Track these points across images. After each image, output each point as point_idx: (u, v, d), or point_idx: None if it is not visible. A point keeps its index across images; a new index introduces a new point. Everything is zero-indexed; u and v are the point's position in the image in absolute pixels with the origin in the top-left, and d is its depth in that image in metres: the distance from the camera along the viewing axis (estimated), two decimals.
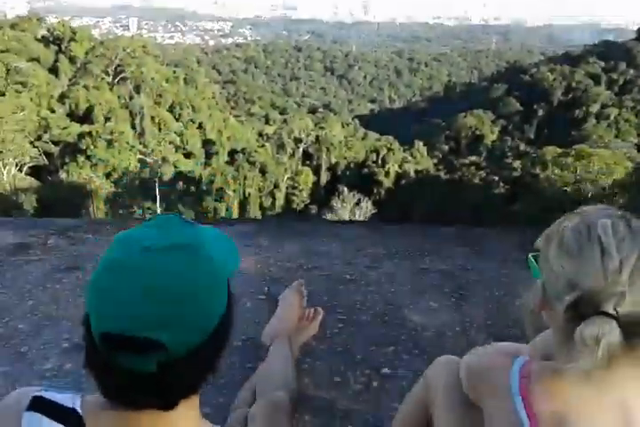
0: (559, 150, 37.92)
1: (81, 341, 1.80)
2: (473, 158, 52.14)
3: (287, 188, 46.40)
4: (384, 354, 2.54)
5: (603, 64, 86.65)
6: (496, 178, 35.60)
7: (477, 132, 74.79)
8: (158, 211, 38.96)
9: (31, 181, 40.05)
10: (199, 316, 0.82)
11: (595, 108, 77.39)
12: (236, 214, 40.30)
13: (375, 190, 42.08)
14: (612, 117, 73.50)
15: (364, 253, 4.09)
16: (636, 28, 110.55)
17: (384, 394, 2.25)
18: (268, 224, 5.97)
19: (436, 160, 57.73)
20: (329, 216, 30.39)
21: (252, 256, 3.92)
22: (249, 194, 42.97)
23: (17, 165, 41.97)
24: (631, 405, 0.93)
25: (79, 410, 0.88)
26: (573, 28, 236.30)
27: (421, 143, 66.36)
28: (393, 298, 3.15)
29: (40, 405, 0.89)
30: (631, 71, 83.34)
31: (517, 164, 47.60)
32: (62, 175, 41.27)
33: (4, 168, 40.02)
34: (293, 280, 3.37)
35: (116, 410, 0.85)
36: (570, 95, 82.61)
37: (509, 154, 60.52)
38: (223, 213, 39.08)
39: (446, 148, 71.23)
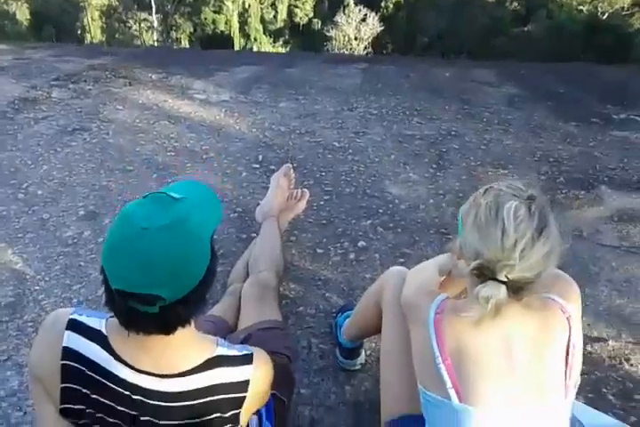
0: None
1: (95, 209, 2.18)
2: None
3: None
4: (362, 227, 2.85)
5: None
6: None
7: None
8: (155, 24, 37.20)
9: None
10: (189, 274, 1.09)
11: None
12: (236, 29, 38.44)
13: (383, 4, 39.67)
14: None
15: (356, 113, 4.24)
16: None
17: (358, 266, 2.60)
18: (265, 67, 5.98)
19: None
20: (333, 33, 29.11)
21: (248, 117, 4.10)
22: (249, 6, 40.53)
23: None
24: (512, 340, 1.24)
25: (104, 331, 1.21)
26: None
27: None
28: (376, 168, 3.38)
29: (75, 326, 1.20)
30: None
31: None
32: None
33: None
34: (285, 147, 3.64)
35: (130, 332, 1.17)
36: None
37: None
38: (222, 27, 37.26)
39: None
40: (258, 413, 1.55)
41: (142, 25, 38.37)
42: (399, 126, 4.07)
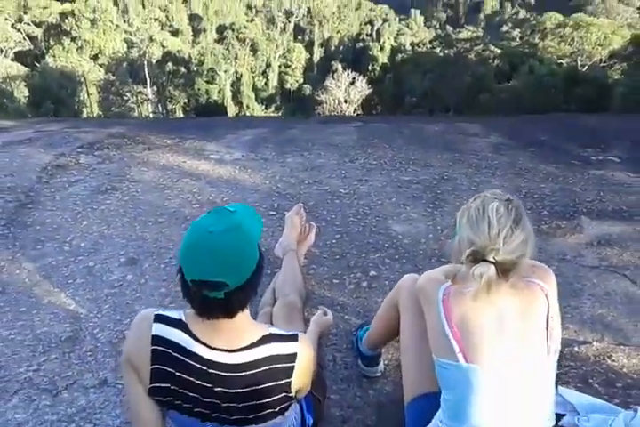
0: (560, 17, 36.89)
1: (134, 255, 2.62)
2: (471, 28, 50.61)
3: (280, 66, 45.47)
4: (372, 259, 3.23)
5: None
6: (493, 52, 34.95)
7: None
8: (150, 96, 38.49)
9: (18, 68, 38.89)
10: (245, 266, 1.48)
11: None
12: (229, 97, 39.79)
13: (370, 68, 41.39)
14: None
15: (357, 164, 4.71)
16: None
17: (371, 292, 2.96)
18: (268, 129, 6.50)
19: (433, 31, 56.01)
20: (323, 97, 30.25)
21: (260, 171, 4.56)
22: (241, 75, 42.16)
23: (1, 51, 40.64)
24: (504, 312, 1.62)
25: (184, 319, 1.59)
26: None
27: (418, 12, 64.09)
28: (380, 210, 3.80)
29: (160, 318, 1.59)
30: None
31: (516, 33, 46.37)
32: (49, 60, 40.12)
33: None
34: (297, 196, 4.06)
35: (202, 318, 1.55)
36: None
37: (508, 23, 58.54)
38: (215, 96, 38.59)
39: (444, 16, 68.79)
40: (300, 404, 1.92)
41: (138, 97, 39.67)
42: (397, 174, 4.52)
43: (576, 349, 2.57)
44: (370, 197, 4.04)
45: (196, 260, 1.44)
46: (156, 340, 1.56)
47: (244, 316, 1.57)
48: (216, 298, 1.44)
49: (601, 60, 30.87)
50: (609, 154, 5.58)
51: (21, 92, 33.94)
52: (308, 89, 41.74)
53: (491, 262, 1.56)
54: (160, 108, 38.72)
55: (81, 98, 36.30)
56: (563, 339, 2.59)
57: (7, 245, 3.41)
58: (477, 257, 1.58)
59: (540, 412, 1.65)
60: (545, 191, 4.26)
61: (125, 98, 37.89)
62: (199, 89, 39.71)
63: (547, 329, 1.64)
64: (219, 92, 40.22)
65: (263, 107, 41.99)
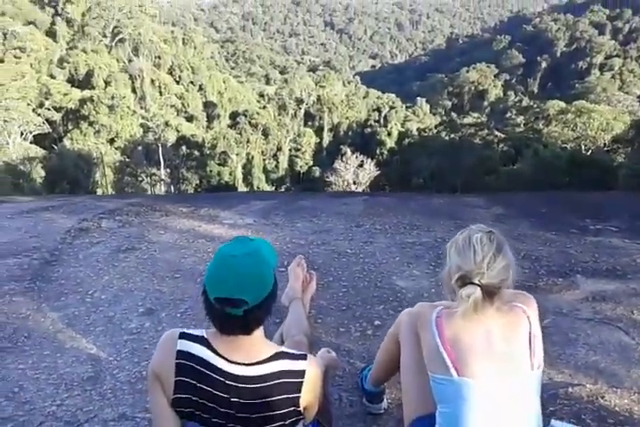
0: (562, 105, 38.23)
1: (152, 306, 2.85)
2: (475, 115, 52.43)
3: (290, 150, 46.92)
4: (376, 311, 3.41)
5: (607, 12, 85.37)
6: (497, 136, 36.11)
7: (480, 88, 74.59)
8: (163, 177, 39.54)
9: (36, 150, 40.12)
10: (263, 286, 1.70)
11: (598, 58, 76.73)
12: (240, 179, 40.80)
13: (378, 151, 42.68)
14: (616, 68, 72.87)
15: (363, 229, 4.97)
16: None
17: (375, 339, 3.12)
18: (278, 201, 6.84)
19: (438, 117, 58.01)
20: (332, 179, 31.05)
21: (271, 234, 4.82)
22: (252, 157, 43.46)
23: (21, 134, 42.12)
24: (491, 331, 1.81)
25: (206, 336, 1.78)
26: None
27: (424, 100, 66.60)
28: (385, 267, 4.02)
29: (185, 335, 1.79)
30: (637, 19, 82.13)
31: (520, 119, 47.92)
32: (67, 143, 41.52)
33: (9, 137, 40.18)
34: (306, 255, 4.29)
35: (223, 335, 1.74)
36: (573, 46, 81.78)
37: (512, 109, 60.67)
38: (227, 178, 39.61)
39: (449, 104, 71.42)
40: None
41: (152, 179, 40.69)
42: (401, 237, 4.76)
43: (570, 390, 2.70)
44: (375, 256, 4.26)
45: (219, 279, 1.66)
46: (181, 354, 1.75)
47: (259, 334, 1.78)
48: (235, 315, 1.65)
49: (604, 144, 31.71)
50: (607, 224, 5.80)
51: (38, 173, 34.91)
52: (317, 171, 42.83)
53: (477, 285, 1.78)
54: (172, 189, 39.64)
55: (96, 179, 37.30)
56: (557, 381, 2.77)
57: (33, 297, 3.62)
58: (465, 281, 1.80)
59: (527, 423, 1.81)
60: (542, 253, 4.46)
61: (140, 179, 38.89)
62: (211, 171, 40.81)
63: (530, 347, 1.82)
64: (230, 173, 41.32)
65: (273, 188, 42.94)
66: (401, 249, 4.44)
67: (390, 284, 3.78)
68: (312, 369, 1.82)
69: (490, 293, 1.80)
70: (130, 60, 56.06)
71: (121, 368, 2.92)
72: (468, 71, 75.64)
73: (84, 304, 3.55)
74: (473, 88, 73.76)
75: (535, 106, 49.76)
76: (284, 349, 1.83)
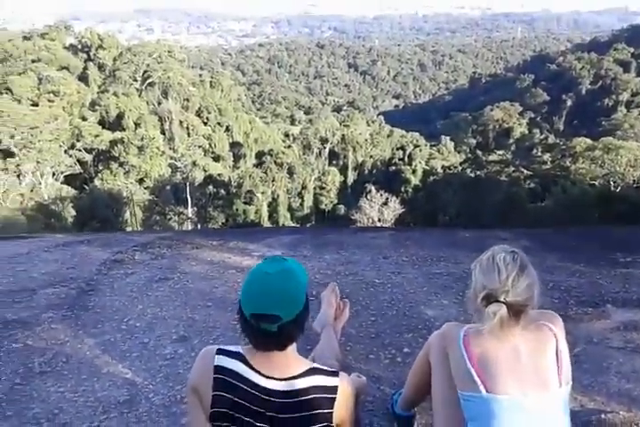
0: (589, 142, 38.07)
1: (185, 334, 2.93)
2: (500, 153, 52.47)
3: (315, 188, 47.26)
4: (405, 338, 3.45)
5: (632, 50, 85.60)
6: (524, 173, 36.02)
7: (505, 125, 74.62)
8: (190, 215, 39.99)
9: (67, 190, 40.94)
10: (296, 302, 1.77)
11: (624, 96, 76.61)
12: (265, 217, 41.10)
13: (403, 189, 42.81)
14: None
15: (390, 260, 5.03)
16: None
17: (405, 366, 3.14)
18: (305, 235, 6.94)
19: (463, 155, 58.13)
20: (357, 216, 31.08)
21: None
22: (277, 196, 43.86)
23: (53, 175, 43.03)
24: (519, 349, 1.86)
25: (242, 352, 1.85)
26: (600, 13, 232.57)
27: (448, 138, 66.85)
28: (413, 297, 4.06)
29: (222, 351, 1.86)
30: None
31: (547, 157, 47.77)
32: (97, 183, 42.33)
33: (42, 178, 41.08)
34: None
35: (258, 351, 1.81)
36: (598, 84, 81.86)
37: (538, 147, 60.61)
38: (252, 216, 39.94)
39: (474, 142, 71.54)
40: None
41: (179, 217, 41.16)
42: (428, 268, 4.81)
43: (603, 416, 2.70)
44: (403, 286, 4.32)
45: (254, 296, 1.75)
46: (218, 369, 1.82)
47: (292, 350, 1.85)
48: (270, 331, 1.73)
49: (633, 180, 31.40)
50: (637, 257, 5.76)
51: (69, 213, 35.53)
52: (342, 209, 42.99)
53: (502, 302, 1.83)
54: (199, 227, 40.02)
55: (125, 217, 37.84)
56: (590, 409, 2.76)
57: (70, 325, 3.73)
58: (490, 299, 1.86)
59: None
60: (572, 284, 4.47)
61: (168, 217, 39.37)
62: (237, 209, 41.21)
63: (557, 363, 1.86)
64: (256, 212, 41.66)
65: (298, 226, 43.12)
66: (428, 279, 4.49)
67: (419, 313, 3.82)
68: (345, 385, 1.87)
69: (516, 311, 1.85)
70: (159, 103, 57.43)
71: (156, 392, 2.98)
72: (492, 110, 75.83)
73: (120, 331, 3.64)
74: (497, 126, 73.83)
75: (561, 143, 49.62)
76: (316, 365, 1.90)
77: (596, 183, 31.75)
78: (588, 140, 38.97)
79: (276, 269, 1.77)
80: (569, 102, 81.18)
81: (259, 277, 1.77)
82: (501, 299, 1.83)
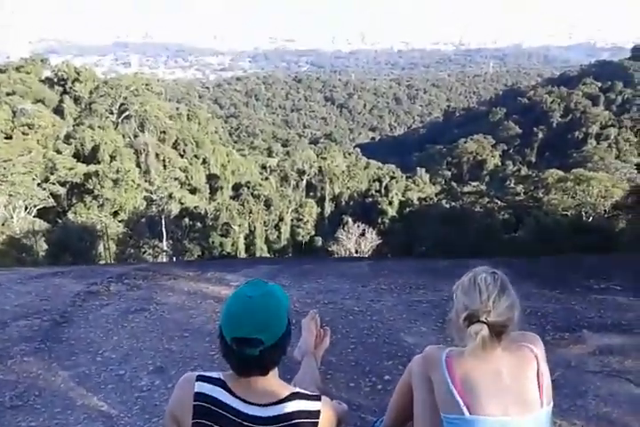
0: (561, 173, 38.76)
1: (162, 365, 2.89)
2: (475, 184, 53.09)
3: (292, 220, 47.19)
4: (386, 366, 3.43)
5: (599, 84, 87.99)
6: (498, 204, 36.45)
7: (479, 157, 75.83)
8: (165, 248, 39.58)
9: (40, 223, 40.26)
10: (278, 326, 1.76)
11: (594, 128, 78.32)
12: (242, 249, 40.86)
13: (379, 220, 42.98)
14: (611, 137, 74.25)
15: (369, 288, 5.03)
16: (630, 46, 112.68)
17: (385, 393, 3.12)
18: (283, 265, 6.92)
19: (438, 187, 58.72)
20: (334, 248, 31.09)
21: None
22: (254, 228, 43.70)
23: (26, 208, 42.40)
24: (501, 370, 1.87)
25: (223, 378, 1.82)
26: (569, 49, 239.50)
27: (423, 170, 67.61)
28: (392, 325, 4.06)
29: (202, 378, 1.83)
30: (629, 90, 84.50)
31: (520, 188, 48.46)
32: (71, 216, 41.78)
33: (14, 211, 40.44)
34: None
35: (239, 376, 1.79)
36: (569, 117, 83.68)
37: (511, 178, 61.52)
38: (229, 249, 39.68)
39: (448, 174, 72.47)
40: None
41: (154, 250, 40.68)
42: (407, 296, 4.81)
43: None
44: (382, 314, 4.31)
45: (236, 319, 1.73)
46: (198, 396, 1.80)
47: (274, 375, 1.83)
48: (252, 355, 1.71)
49: (605, 211, 31.89)
50: (611, 283, 5.83)
51: (41, 247, 34.92)
52: (319, 241, 42.93)
53: (484, 323, 1.84)
54: (175, 261, 39.59)
55: (99, 251, 37.28)
56: None
57: (43, 357, 3.65)
58: (472, 319, 1.87)
59: None
60: (548, 310, 4.50)
61: (142, 250, 38.88)
62: (213, 242, 40.87)
63: (539, 384, 1.87)
64: (232, 244, 41.36)
65: (276, 257, 42.84)
66: (408, 307, 4.49)
67: (399, 340, 3.80)
68: (327, 410, 1.85)
69: (497, 331, 1.86)
70: (135, 136, 57.29)
71: (132, 425, 2.92)
72: (465, 142, 77.11)
73: (95, 363, 3.57)
74: (471, 158, 74.98)
75: (534, 175, 50.40)
76: (298, 389, 1.87)
77: (569, 214, 32.20)
78: (560, 172, 39.70)
79: (257, 292, 1.76)
80: (540, 135, 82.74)
81: (240, 300, 1.75)
82: (483, 319, 1.84)
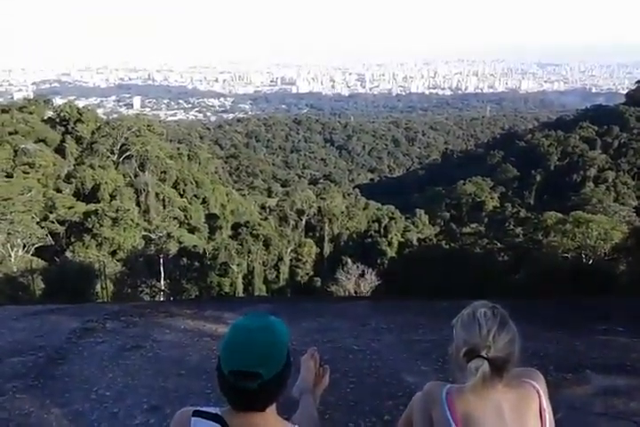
0: (559, 216, 38.82)
1: (156, 403, 2.84)
2: (474, 226, 53.15)
3: (291, 260, 47.05)
4: (386, 406, 3.37)
5: (596, 128, 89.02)
6: (497, 245, 36.40)
7: (477, 199, 76.18)
8: (162, 288, 39.27)
9: (37, 262, 39.97)
10: (278, 359, 1.73)
11: (592, 171, 78.87)
12: (240, 289, 40.57)
13: (379, 261, 42.82)
14: (609, 180, 74.73)
15: (368, 328, 4.98)
16: (624, 91, 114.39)
17: None
18: (282, 304, 6.87)
19: (437, 228, 58.75)
20: (334, 288, 30.86)
21: None
22: (253, 268, 43.47)
23: (24, 246, 42.19)
24: (502, 407, 1.82)
25: (220, 413, 1.78)
26: (565, 94, 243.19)
27: (422, 211, 67.81)
28: (392, 364, 4.00)
29: (199, 413, 1.79)
30: (624, 135, 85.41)
31: (519, 230, 48.50)
32: (69, 255, 41.55)
33: (12, 249, 40.22)
34: None
35: (237, 412, 1.74)
36: (566, 160, 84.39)
37: (510, 220, 61.63)
38: (227, 289, 39.39)
39: (447, 215, 72.65)
40: None
41: (152, 290, 40.32)
42: (408, 335, 4.75)
43: None
44: (382, 353, 4.24)
45: (235, 352, 1.70)
46: None
47: (272, 411, 1.79)
48: (250, 389, 1.67)
49: (604, 253, 31.80)
50: (613, 325, 5.77)
51: (37, 285, 34.62)
52: (318, 281, 42.66)
53: (484, 358, 1.81)
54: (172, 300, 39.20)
55: (96, 290, 36.94)
56: None
57: (36, 394, 3.57)
58: (472, 355, 1.84)
59: None
60: (550, 351, 4.44)
61: (140, 290, 38.54)
62: (211, 282, 40.58)
63: (541, 421, 1.82)
64: (230, 284, 41.08)
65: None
66: (408, 346, 4.43)
67: (399, 379, 3.74)
68: None
69: (498, 367, 1.83)
70: (136, 175, 57.57)
71: None
72: (464, 184, 77.61)
73: (89, 401, 3.50)
74: (470, 200, 75.32)
75: (533, 217, 50.50)
76: None
77: (569, 256, 32.11)
78: (559, 214, 39.76)
79: (258, 324, 1.74)
80: (538, 178, 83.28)
81: (240, 332, 1.73)
82: (483, 354, 1.81)
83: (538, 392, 1.88)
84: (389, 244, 47.40)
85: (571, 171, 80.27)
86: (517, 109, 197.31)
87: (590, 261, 30.67)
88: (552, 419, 1.87)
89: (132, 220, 46.16)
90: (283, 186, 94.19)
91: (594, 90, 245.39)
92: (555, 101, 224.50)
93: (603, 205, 56.21)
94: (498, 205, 76.94)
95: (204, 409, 1.80)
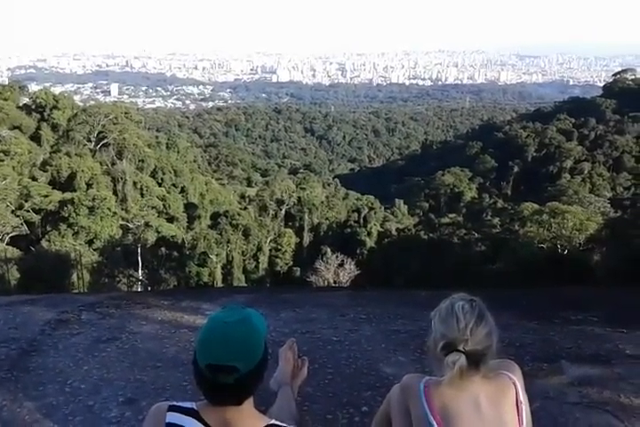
0: (536, 206, 39.23)
1: (132, 396, 2.82)
2: (452, 216, 53.49)
3: (270, 250, 46.96)
4: (364, 397, 3.37)
5: (573, 120, 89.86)
6: (475, 235, 36.69)
7: (456, 190, 76.60)
8: (140, 277, 39.01)
9: (12, 251, 39.41)
10: (255, 353, 1.71)
11: (568, 163, 79.63)
12: (219, 279, 40.43)
13: (358, 250, 42.93)
14: (585, 172, 75.54)
15: (347, 318, 4.98)
16: (601, 84, 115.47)
17: (363, 425, 3.06)
18: (260, 294, 6.84)
19: (416, 218, 59.04)
20: (313, 278, 30.89)
21: None
22: (232, 258, 43.32)
23: None
24: (480, 399, 1.82)
25: (196, 408, 1.76)
26: (543, 86, 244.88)
27: (402, 202, 68.08)
28: (370, 354, 4.00)
29: (174, 408, 1.77)
30: (600, 127, 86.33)
31: (496, 220, 48.94)
32: (44, 244, 41.05)
33: None
34: None
35: (213, 406, 1.72)
36: (543, 151, 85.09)
37: (488, 211, 62.08)
38: (206, 279, 39.24)
39: (426, 205, 73.00)
40: None
41: (129, 280, 40.04)
42: (386, 325, 4.76)
43: None
44: (360, 343, 4.25)
45: (211, 346, 1.68)
46: None
47: (249, 405, 1.76)
48: (226, 383, 1.65)
49: (579, 244, 32.23)
50: (588, 314, 5.84)
51: (12, 275, 34.19)
52: (297, 271, 42.67)
53: (461, 352, 1.81)
54: (149, 290, 38.96)
55: (72, 280, 36.58)
56: None
57: (9, 388, 3.52)
58: (450, 348, 1.83)
59: None
60: (526, 341, 4.47)
61: (117, 279, 38.25)
62: (190, 272, 40.40)
63: (517, 413, 1.83)
64: (209, 274, 40.91)
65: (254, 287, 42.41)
66: (386, 337, 4.44)
67: (377, 370, 3.74)
68: None
69: (475, 360, 1.83)
70: (113, 164, 56.86)
71: None
72: (443, 175, 77.99)
73: (63, 394, 3.45)
74: (449, 190, 75.72)
75: (510, 207, 50.97)
76: (274, 421, 1.81)
77: (544, 246, 32.50)
78: (535, 205, 40.18)
79: (234, 318, 1.71)
80: (516, 169, 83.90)
81: (216, 325, 1.70)
82: (460, 348, 1.81)
83: (514, 384, 1.89)
84: (369, 234, 47.51)
85: (547, 162, 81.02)
86: (496, 101, 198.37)
87: (565, 252, 31.08)
88: (528, 410, 1.88)
89: (109, 209, 45.63)
90: (262, 175, 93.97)
91: (571, 82, 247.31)
92: (533, 93, 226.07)
93: (578, 196, 56.82)
94: (476, 195, 77.46)
95: (179, 404, 1.77)
